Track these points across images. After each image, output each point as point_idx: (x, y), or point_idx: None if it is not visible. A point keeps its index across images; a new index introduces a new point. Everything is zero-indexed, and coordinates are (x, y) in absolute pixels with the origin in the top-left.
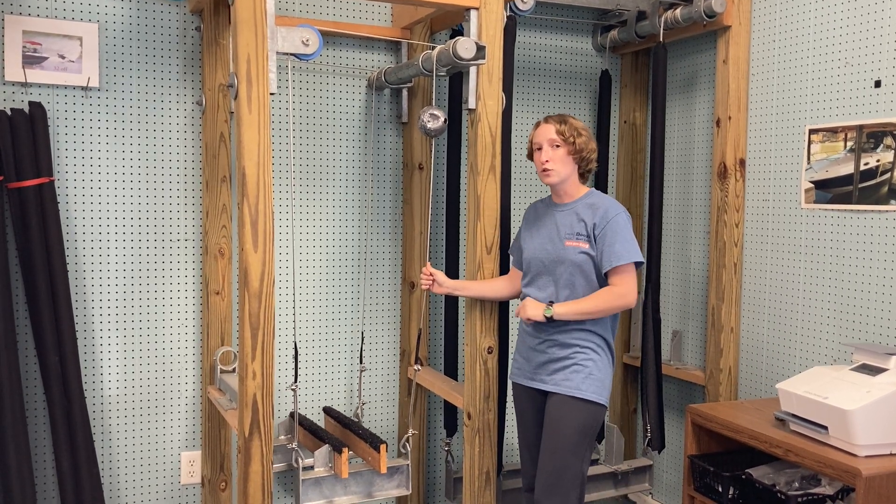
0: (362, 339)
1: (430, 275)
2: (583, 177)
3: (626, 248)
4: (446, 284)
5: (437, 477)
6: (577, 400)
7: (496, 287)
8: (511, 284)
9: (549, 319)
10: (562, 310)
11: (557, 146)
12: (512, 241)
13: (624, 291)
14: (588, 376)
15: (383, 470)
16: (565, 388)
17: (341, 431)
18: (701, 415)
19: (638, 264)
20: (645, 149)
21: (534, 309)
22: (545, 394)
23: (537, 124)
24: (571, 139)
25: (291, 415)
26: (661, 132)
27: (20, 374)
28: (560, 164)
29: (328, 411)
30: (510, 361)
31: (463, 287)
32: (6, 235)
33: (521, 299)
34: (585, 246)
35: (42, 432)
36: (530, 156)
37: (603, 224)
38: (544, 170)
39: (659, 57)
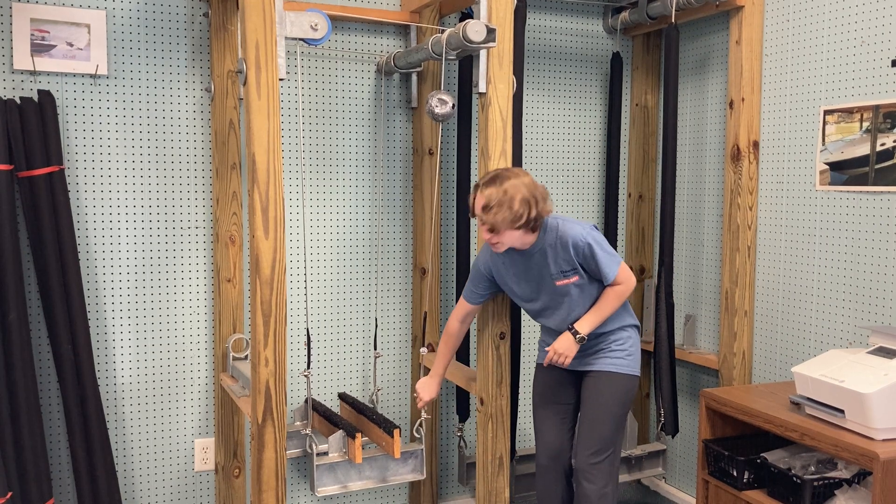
0: (376, 326)
1: (419, 397)
2: (533, 229)
3: (612, 261)
4: (434, 388)
5: (450, 462)
6: (614, 374)
7: (458, 342)
8: (467, 324)
9: (582, 340)
10: (587, 328)
11: (494, 214)
12: (468, 287)
13: (624, 288)
14: (623, 354)
15: (397, 455)
16: (602, 366)
17: (356, 417)
18: (715, 399)
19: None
20: (657, 132)
21: (567, 348)
22: (579, 373)
23: (476, 186)
24: (496, 209)
25: (307, 401)
26: (674, 115)
27: (34, 364)
28: (506, 238)
29: (343, 397)
30: (523, 346)
31: (440, 371)
32: (17, 224)
33: (549, 335)
34: (576, 279)
35: (56, 421)
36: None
37: (581, 254)
38: (492, 243)
39: (671, 38)
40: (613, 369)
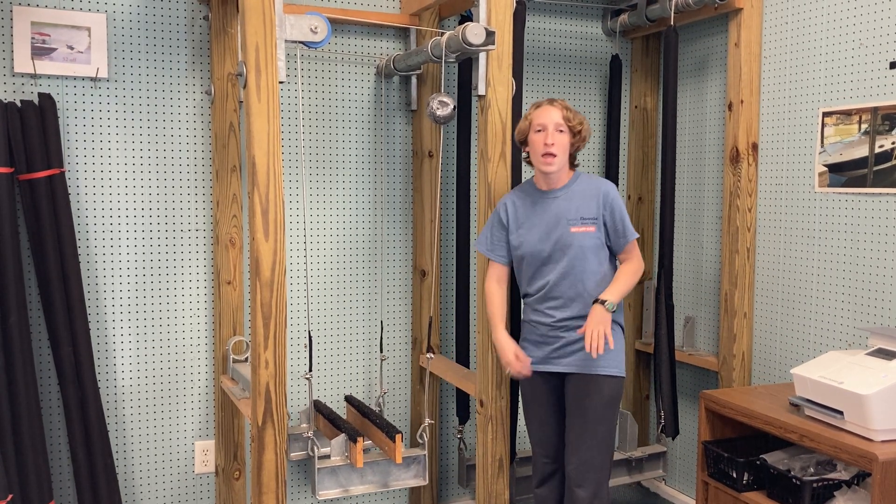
0: (381, 329)
1: (521, 363)
2: (571, 162)
3: (630, 224)
4: (514, 345)
5: (450, 464)
6: (599, 377)
7: (504, 300)
8: (503, 286)
9: (612, 308)
10: (615, 297)
11: (561, 131)
12: (487, 234)
13: (638, 265)
14: (609, 356)
15: (398, 460)
16: (586, 368)
17: (360, 421)
18: (715, 401)
19: None
20: (656, 134)
21: (601, 320)
22: (561, 376)
23: (538, 104)
24: (578, 128)
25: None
26: (673, 117)
27: (34, 366)
28: (562, 151)
29: (349, 400)
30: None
31: (503, 325)
32: (18, 227)
33: (527, 297)
34: (593, 230)
35: (57, 423)
36: (522, 138)
37: (608, 206)
38: (547, 154)
39: (670, 41)
40: (600, 372)
